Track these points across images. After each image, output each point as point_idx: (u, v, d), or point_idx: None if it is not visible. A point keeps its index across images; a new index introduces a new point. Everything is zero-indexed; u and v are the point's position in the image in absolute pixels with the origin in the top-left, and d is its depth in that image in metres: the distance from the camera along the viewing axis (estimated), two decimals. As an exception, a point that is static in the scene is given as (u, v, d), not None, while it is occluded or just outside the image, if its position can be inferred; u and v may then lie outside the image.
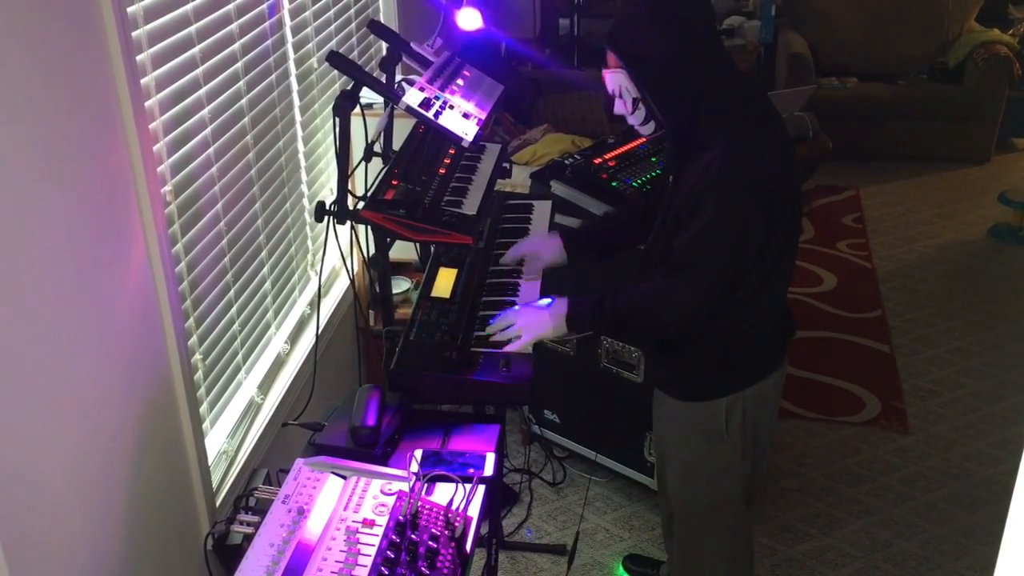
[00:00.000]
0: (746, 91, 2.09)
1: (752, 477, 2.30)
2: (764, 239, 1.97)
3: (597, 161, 3.03)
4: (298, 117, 2.75)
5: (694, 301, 1.99)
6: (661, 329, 2.11)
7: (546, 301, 2.14)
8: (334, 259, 2.99)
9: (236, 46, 2.28)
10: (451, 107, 2.34)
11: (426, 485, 1.78)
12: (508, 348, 2.11)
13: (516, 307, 2.20)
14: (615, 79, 2.03)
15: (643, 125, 2.08)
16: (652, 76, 1.97)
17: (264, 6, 2.43)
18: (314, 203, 2.27)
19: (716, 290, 1.99)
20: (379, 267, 2.39)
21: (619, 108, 2.09)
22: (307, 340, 2.79)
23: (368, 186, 2.32)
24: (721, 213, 1.92)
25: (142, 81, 1.83)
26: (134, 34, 1.80)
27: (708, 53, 2.00)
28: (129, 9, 1.77)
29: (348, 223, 2.27)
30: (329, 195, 3.00)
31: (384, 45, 2.86)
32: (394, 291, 2.94)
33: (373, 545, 1.61)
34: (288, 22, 2.64)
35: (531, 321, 2.12)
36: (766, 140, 2.03)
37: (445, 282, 2.28)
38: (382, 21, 3.39)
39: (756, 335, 2.14)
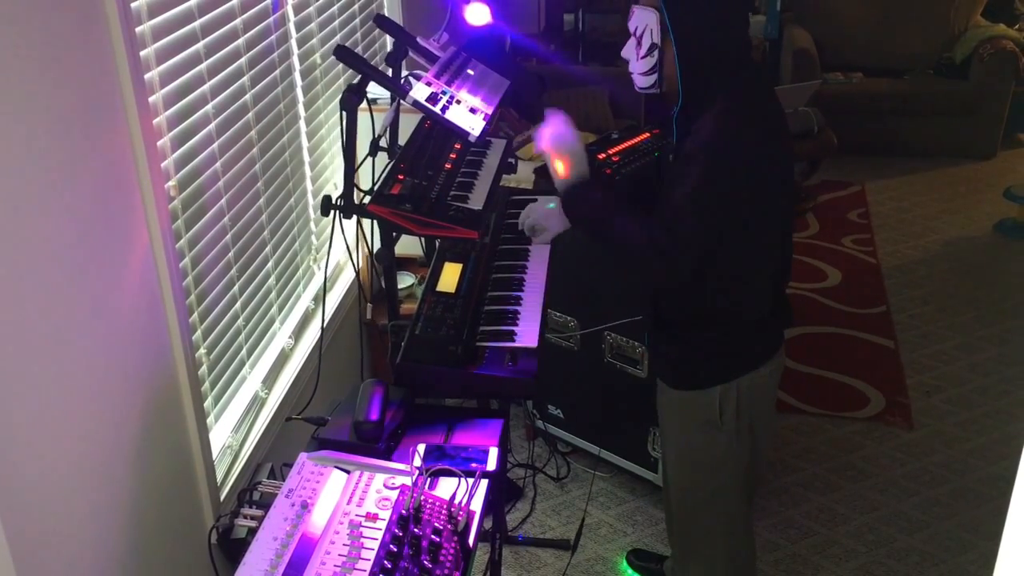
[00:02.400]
0: (754, 70, 2.10)
1: (750, 469, 2.30)
2: (746, 206, 1.97)
3: (601, 156, 3.02)
4: (302, 112, 2.76)
5: (670, 249, 1.93)
6: (635, 255, 2.00)
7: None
8: (339, 253, 2.99)
9: (240, 41, 2.28)
10: (458, 102, 2.34)
11: (429, 479, 1.78)
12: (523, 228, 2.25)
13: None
14: (643, 18, 2.00)
15: (645, 75, 2.04)
16: (687, 30, 1.95)
17: (268, 1, 2.43)
18: (319, 197, 2.27)
19: (693, 250, 1.95)
20: (384, 261, 2.39)
21: (628, 50, 2.06)
22: (311, 335, 2.80)
23: (374, 181, 2.33)
24: (705, 177, 1.92)
25: (146, 76, 1.83)
26: (138, 29, 1.80)
27: (739, 27, 2.03)
28: (133, 4, 1.77)
29: (354, 217, 2.27)
30: (333, 189, 3.00)
31: (390, 40, 2.86)
32: (399, 286, 2.95)
33: (376, 539, 1.62)
34: (292, 17, 2.64)
35: (541, 214, 2.24)
36: (761, 117, 2.03)
37: (450, 277, 2.29)
38: (387, 15, 3.39)
39: (746, 322, 2.15)
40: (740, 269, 2.07)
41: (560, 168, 2.06)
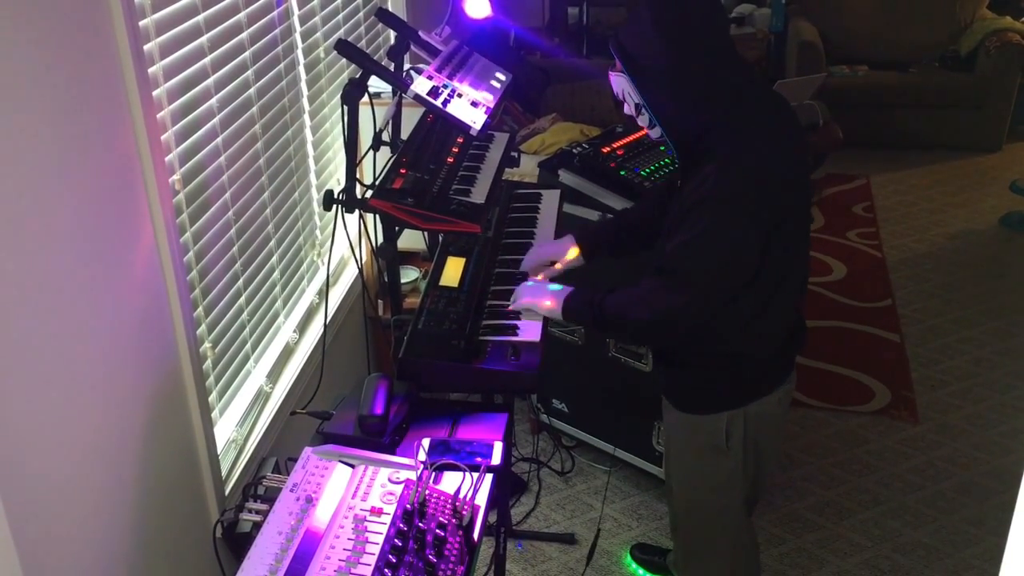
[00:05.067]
0: (756, 96, 2.00)
1: (753, 490, 2.30)
2: (757, 260, 1.92)
3: (605, 150, 3.02)
4: (306, 106, 2.75)
5: (677, 309, 1.96)
6: (644, 330, 2.07)
7: (556, 286, 2.16)
8: (342, 248, 2.99)
9: (244, 35, 2.28)
10: (459, 95, 2.34)
11: (434, 474, 1.78)
12: (510, 307, 2.17)
13: (529, 283, 2.22)
14: (619, 82, 1.97)
15: (651, 129, 2.02)
16: (652, 84, 1.91)
17: (272, -5, 2.43)
18: (323, 192, 2.27)
19: (700, 302, 1.95)
20: (387, 256, 2.39)
21: (627, 110, 2.04)
22: (316, 329, 2.80)
23: (376, 175, 2.32)
24: (712, 232, 1.88)
25: (150, 70, 1.83)
26: (142, 23, 1.80)
27: (713, 61, 1.91)
28: (136, -2, 1.77)
29: (356, 212, 2.27)
30: (337, 184, 3.00)
31: (392, 33, 2.86)
32: (402, 280, 2.94)
33: (381, 533, 1.62)
34: (296, 10, 2.63)
35: (534, 293, 2.16)
36: (769, 153, 1.94)
37: (453, 271, 2.28)
38: (390, 9, 3.38)
39: (759, 352, 2.09)
40: (759, 304, 2.01)
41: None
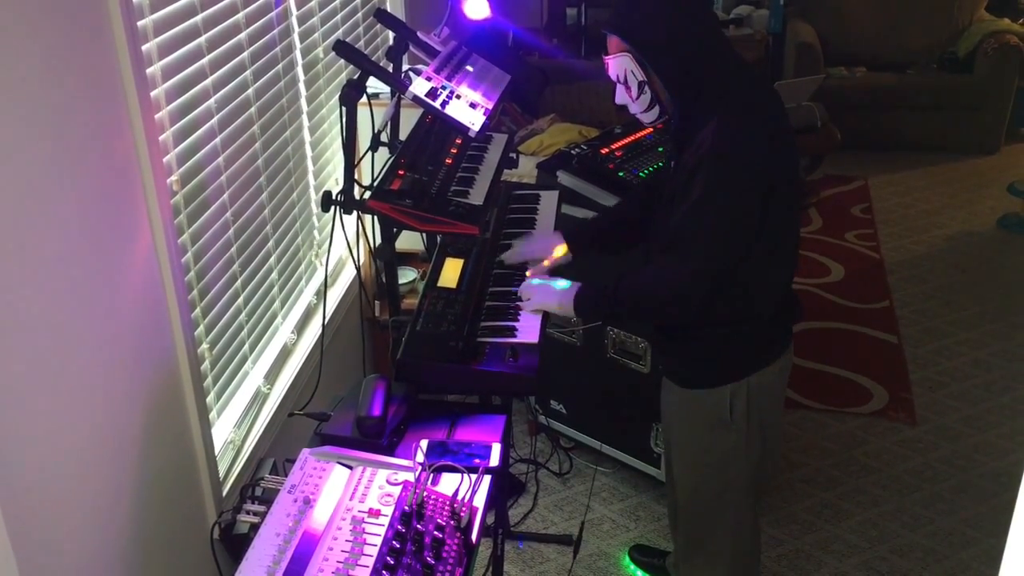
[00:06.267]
0: (741, 67, 2.10)
1: (760, 467, 2.30)
2: (759, 217, 1.97)
3: (604, 151, 3.02)
4: (304, 107, 2.75)
5: (690, 277, 2.00)
6: (661, 308, 2.10)
7: (564, 283, 2.18)
8: (340, 249, 2.99)
9: (242, 35, 2.27)
10: (458, 97, 2.34)
11: (432, 475, 1.78)
12: (523, 309, 2.18)
13: (535, 281, 2.23)
14: (619, 64, 2.03)
15: (646, 112, 2.08)
16: (657, 53, 1.98)
17: (270, -5, 2.42)
18: (321, 193, 2.27)
19: (712, 265, 1.99)
20: (385, 257, 2.39)
21: (621, 96, 2.08)
22: (313, 330, 2.80)
23: (375, 176, 2.32)
24: (712, 188, 1.93)
25: (148, 71, 1.83)
26: (140, 23, 1.79)
27: (705, 28, 2.03)
28: (135, -2, 1.76)
29: (355, 213, 2.27)
30: (335, 185, 3.00)
31: (391, 34, 2.85)
32: (400, 281, 2.94)
33: (379, 535, 1.61)
34: (294, 11, 2.63)
35: (544, 293, 2.18)
36: (762, 118, 2.03)
37: (451, 272, 2.28)
38: (388, 10, 3.38)
39: (756, 321, 2.14)
40: (756, 272, 2.05)
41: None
